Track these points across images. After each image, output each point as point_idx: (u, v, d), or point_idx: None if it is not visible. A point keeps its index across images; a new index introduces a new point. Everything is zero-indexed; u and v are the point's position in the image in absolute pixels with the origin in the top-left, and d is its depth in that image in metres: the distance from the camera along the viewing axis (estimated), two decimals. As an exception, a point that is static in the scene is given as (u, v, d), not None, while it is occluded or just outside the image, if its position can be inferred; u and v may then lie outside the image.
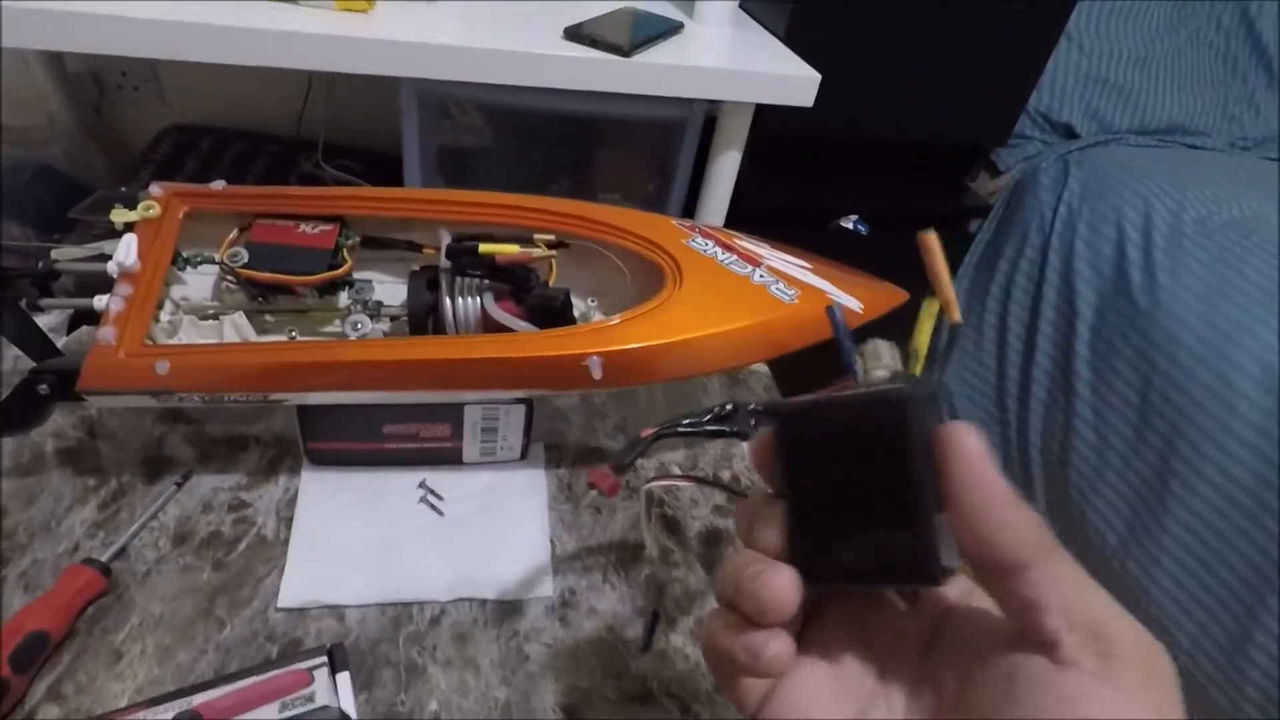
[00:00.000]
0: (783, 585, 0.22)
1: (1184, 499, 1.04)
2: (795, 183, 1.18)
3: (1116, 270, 1.17)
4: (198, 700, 0.29)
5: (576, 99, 0.90)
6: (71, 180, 1.18)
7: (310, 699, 0.29)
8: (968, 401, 1.37)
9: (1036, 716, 0.18)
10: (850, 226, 1.16)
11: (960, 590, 0.24)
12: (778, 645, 0.22)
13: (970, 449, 0.20)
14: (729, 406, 0.33)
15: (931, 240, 0.22)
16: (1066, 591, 0.19)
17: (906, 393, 0.20)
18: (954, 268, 1.40)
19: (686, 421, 0.33)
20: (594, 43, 0.84)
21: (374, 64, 0.79)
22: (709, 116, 0.98)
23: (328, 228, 0.45)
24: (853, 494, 0.22)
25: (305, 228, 0.45)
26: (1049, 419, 1.24)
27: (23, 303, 0.41)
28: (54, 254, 0.42)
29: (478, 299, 0.44)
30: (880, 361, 0.23)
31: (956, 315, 0.23)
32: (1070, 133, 1.37)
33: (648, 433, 0.31)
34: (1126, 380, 1.13)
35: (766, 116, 0.96)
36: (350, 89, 1.24)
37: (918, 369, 0.23)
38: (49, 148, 1.19)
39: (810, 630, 0.24)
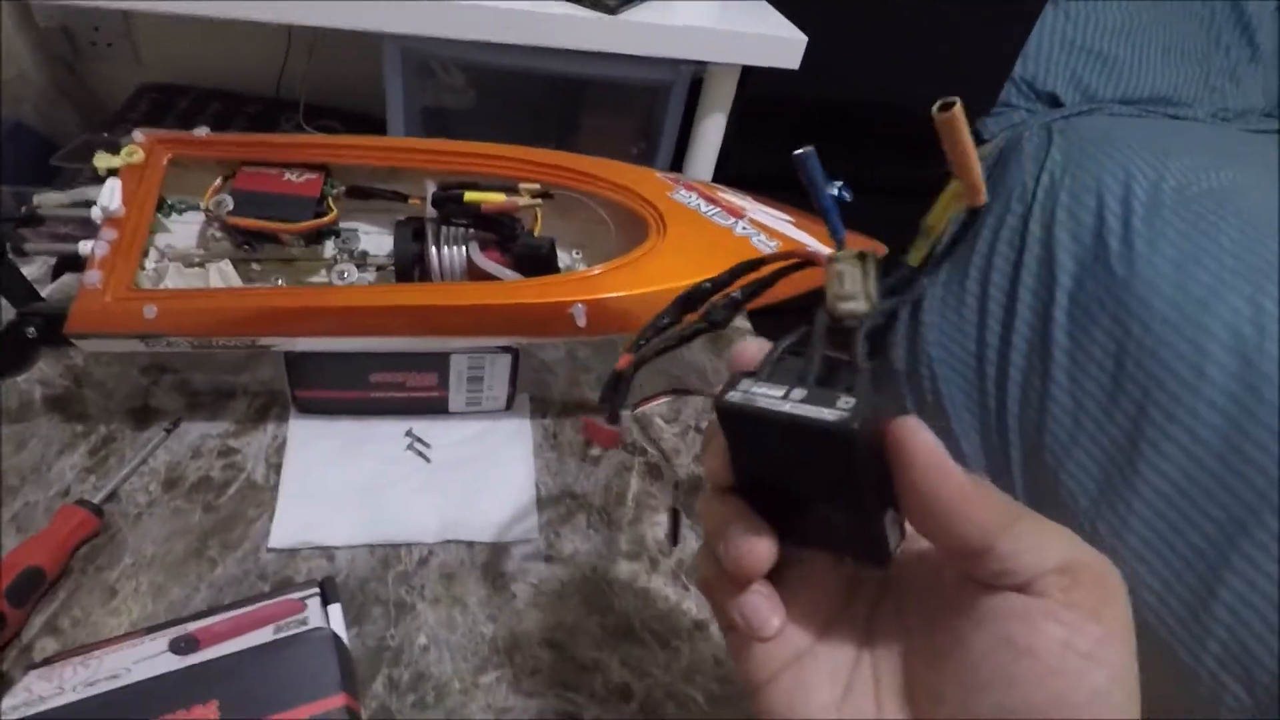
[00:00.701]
0: (761, 553, 0.22)
1: (1154, 462, 1.07)
2: (780, 147, 1.17)
3: (1096, 238, 1.19)
4: (193, 627, 0.30)
5: (561, 59, 0.89)
6: (45, 138, 1.16)
7: (304, 623, 0.30)
8: (948, 368, 1.39)
9: (1004, 640, 0.19)
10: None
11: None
12: (777, 622, 0.22)
13: (924, 450, 0.19)
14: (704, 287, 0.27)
15: (956, 119, 0.19)
16: (1030, 550, 0.19)
17: (855, 430, 0.19)
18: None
19: (656, 330, 0.27)
20: (579, 0, 0.84)
21: (355, 18, 0.78)
22: (695, 79, 0.98)
23: (313, 176, 0.45)
24: (799, 484, 0.22)
25: (290, 176, 0.45)
26: (1026, 385, 1.27)
27: (7, 248, 0.41)
28: (36, 199, 0.42)
29: (463, 248, 0.45)
30: (845, 289, 0.22)
31: (982, 197, 0.20)
32: (1055, 101, 1.38)
33: (624, 362, 0.26)
34: (1102, 346, 1.15)
35: (753, 80, 0.96)
36: (331, 48, 1.22)
37: (921, 253, 0.21)
38: (21, 105, 1.16)
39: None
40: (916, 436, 0.20)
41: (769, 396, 0.20)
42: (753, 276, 0.26)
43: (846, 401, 0.19)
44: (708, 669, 0.39)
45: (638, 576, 0.43)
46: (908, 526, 0.22)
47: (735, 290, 0.26)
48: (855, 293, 0.22)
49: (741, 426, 0.21)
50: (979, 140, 1.41)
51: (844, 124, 1.20)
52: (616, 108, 1.12)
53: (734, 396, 0.21)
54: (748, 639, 0.23)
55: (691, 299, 0.27)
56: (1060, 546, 0.20)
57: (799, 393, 0.20)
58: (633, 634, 0.40)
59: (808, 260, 0.25)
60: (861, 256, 0.22)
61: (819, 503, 0.22)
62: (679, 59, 0.91)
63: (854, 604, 0.24)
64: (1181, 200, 1.14)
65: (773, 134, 1.16)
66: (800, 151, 0.22)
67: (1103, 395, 1.14)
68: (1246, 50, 1.47)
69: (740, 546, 0.22)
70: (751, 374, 0.22)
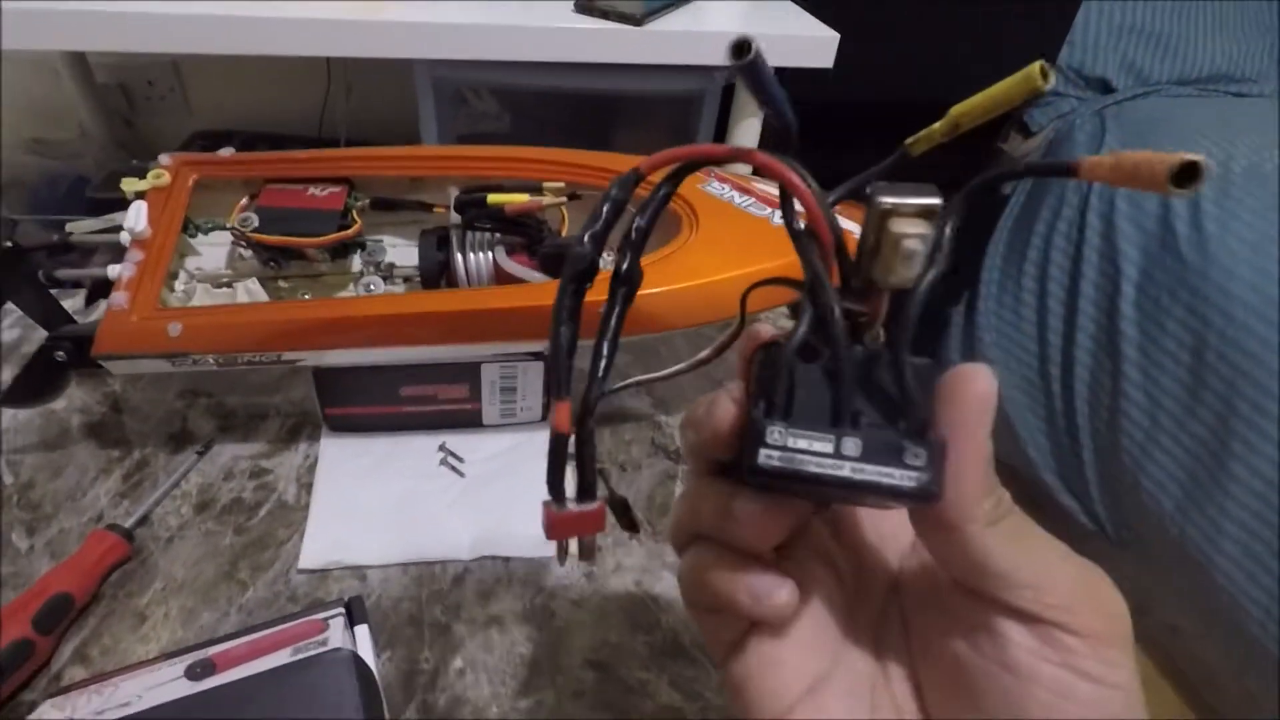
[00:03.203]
0: (776, 509, 0.19)
1: (1246, 459, 0.99)
2: (819, 149, 1.15)
3: (1162, 225, 1.12)
4: (212, 651, 0.29)
5: (591, 75, 0.88)
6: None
7: (324, 644, 0.28)
8: (1007, 370, 1.32)
9: (1008, 667, 0.18)
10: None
11: (899, 553, 0.23)
12: (786, 594, 0.19)
13: (976, 398, 0.17)
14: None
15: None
16: (1026, 562, 0.18)
17: (936, 492, 0.17)
18: (989, 232, 1.36)
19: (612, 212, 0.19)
20: (605, 14, 0.83)
21: (387, 47, 0.78)
22: (727, 85, 0.96)
23: (336, 189, 0.45)
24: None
25: (314, 190, 0.45)
26: (1095, 384, 1.19)
27: (39, 275, 0.41)
28: (68, 227, 0.43)
29: (489, 253, 0.43)
30: (908, 256, 0.17)
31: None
32: (1106, 87, 1.32)
33: (563, 420, 0.19)
34: (1177, 339, 1.08)
35: (786, 83, 0.94)
36: (368, 85, 1.25)
37: (924, 146, 0.18)
38: (82, 159, 1.22)
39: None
40: (980, 382, 0.17)
41: (817, 456, 0.16)
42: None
43: (916, 454, 0.16)
44: (765, 689, 0.36)
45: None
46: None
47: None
48: (918, 259, 0.17)
49: (783, 484, 0.17)
50: (1027, 133, 1.35)
51: (883, 122, 1.16)
52: (649, 122, 1.11)
53: (771, 458, 0.16)
54: (754, 649, 0.20)
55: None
56: (1043, 557, 0.18)
57: (851, 444, 0.16)
58: (682, 653, 0.37)
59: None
60: (929, 213, 0.17)
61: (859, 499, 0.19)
62: (710, 66, 0.90)
63: (857, 621, 0.22)
64: (1255, 180, 1.07)
65: (810, 136, 1.13)
66: (739, 56, 0.16)
67: (1181, 390, 1.07)
68: (1314, 19, 1.38)
69: (749, 507, 0.19)
70: (768, 406, 0.17)
